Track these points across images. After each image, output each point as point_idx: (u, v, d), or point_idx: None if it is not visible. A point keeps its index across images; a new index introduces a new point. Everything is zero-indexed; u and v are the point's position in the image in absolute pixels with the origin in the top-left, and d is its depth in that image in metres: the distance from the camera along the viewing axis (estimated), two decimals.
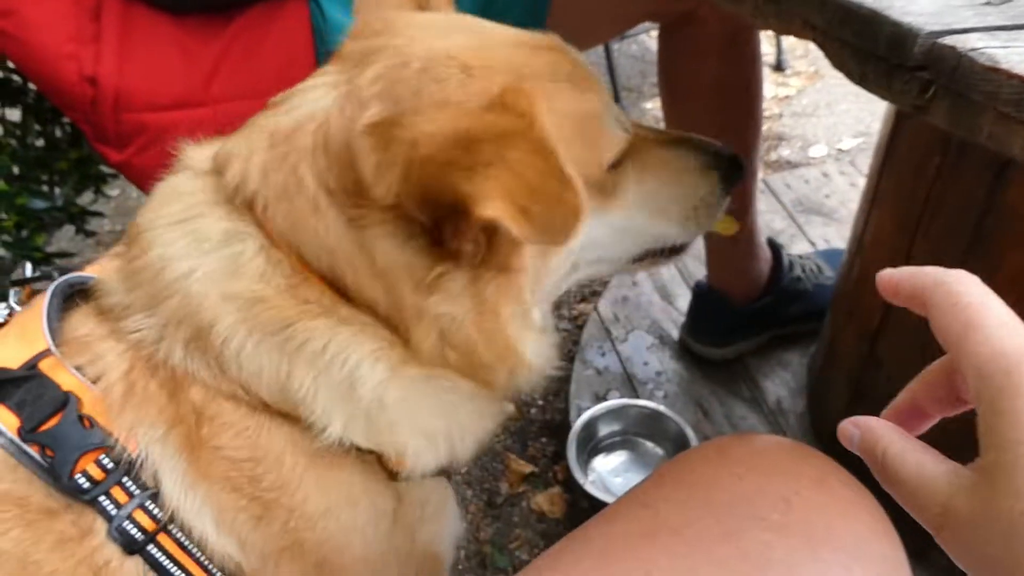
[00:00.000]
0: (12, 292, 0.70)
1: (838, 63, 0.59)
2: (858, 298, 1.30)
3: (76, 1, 1.11)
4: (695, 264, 1.85)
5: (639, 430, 1.47)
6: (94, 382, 0.63)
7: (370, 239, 0.62)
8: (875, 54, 0.55)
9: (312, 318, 0.63)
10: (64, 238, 2.03)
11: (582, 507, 1.37)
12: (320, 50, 1.19)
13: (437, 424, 0.70)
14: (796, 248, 1.87)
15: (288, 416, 0.64)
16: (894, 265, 1.19)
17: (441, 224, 0.60)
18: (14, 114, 1.50)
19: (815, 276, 1.64)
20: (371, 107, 0.62)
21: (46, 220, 1.49)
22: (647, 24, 1.34)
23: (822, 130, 2.48)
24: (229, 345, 0.62)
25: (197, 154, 0.72)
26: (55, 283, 0.68)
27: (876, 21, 0.53)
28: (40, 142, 1.52)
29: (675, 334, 1.70)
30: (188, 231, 0.65)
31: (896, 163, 1.19)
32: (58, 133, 1.56)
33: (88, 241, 2.14)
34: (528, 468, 1.48)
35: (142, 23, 1.13)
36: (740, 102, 1.32)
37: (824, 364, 1.46)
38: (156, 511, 0.60)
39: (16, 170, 1.46)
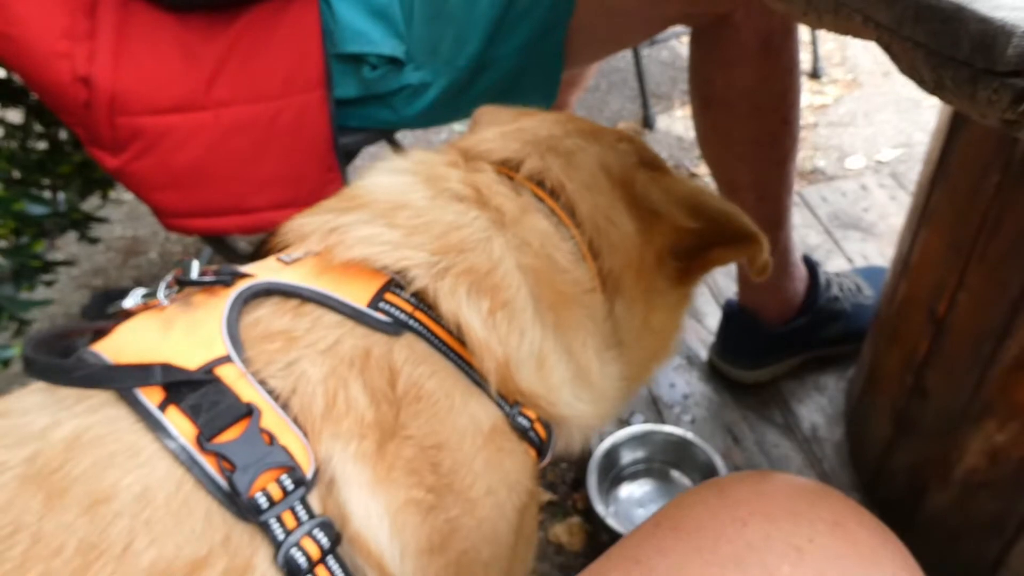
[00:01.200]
0: (162, 285, 0.63)
1: (907, 68, 0.50)
2: (903, 323, 1.21)
3: None
4: (726, 281, 1.76)
5: (665, 458, 1.38)
6: (289, 394, 0.58)
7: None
8: (955, 57, 0.45)
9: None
10: (72, 243, 1.98)
11: (602, 540, 1.28)
12: (329, 52, 1.11)
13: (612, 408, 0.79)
14: (833, 265, 1.77)
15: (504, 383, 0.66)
16: (944, 290, 1.09)
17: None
18: (16, 116, 1.45)
19: (853, 295, 1.54)
20: None
21: (46, 226, 1.44)
22: (678, 29, 1.26)
23: (860, 140, 2.37)
24: (509, 307, 0.67)
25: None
26: (241, 289, 0.62)
27: (959, 18, 0.44)
28: (43, 145, 1.47)
29: (704, 355, 1.61)
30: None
31: (948, 178, 1.09)
32: (62, 135, 1.50)
33: (99, 246, 2.09)
34: (546, 496, 1.40)
35: (140, 20, 1.07)
36: (775, 112, 1.23)
37: (864, 391, 1.37)
38: (323, 538, 0.54)
39: (17, 174, 1.41)
